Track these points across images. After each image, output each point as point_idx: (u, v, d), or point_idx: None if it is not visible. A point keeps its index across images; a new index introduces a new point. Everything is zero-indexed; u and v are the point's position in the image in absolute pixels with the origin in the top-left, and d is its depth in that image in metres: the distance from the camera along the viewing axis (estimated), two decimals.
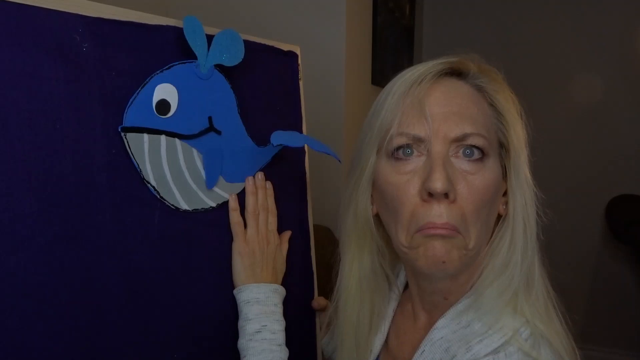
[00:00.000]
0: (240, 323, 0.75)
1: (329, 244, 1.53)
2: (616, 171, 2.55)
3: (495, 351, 0.57)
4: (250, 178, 0.79)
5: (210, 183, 0.73)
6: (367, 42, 2.02)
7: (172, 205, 0.70)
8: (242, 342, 0.74)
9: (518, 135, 0.61)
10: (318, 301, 0.89)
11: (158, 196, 0.68)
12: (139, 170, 0.66)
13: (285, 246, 0.84)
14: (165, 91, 0.68)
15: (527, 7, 2.67)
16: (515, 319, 0.59)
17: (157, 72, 0.68)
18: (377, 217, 0.67)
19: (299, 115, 0.86)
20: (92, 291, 0.62)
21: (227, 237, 0.76)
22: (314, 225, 1.58)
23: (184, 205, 0.71)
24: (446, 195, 0.56)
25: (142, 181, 0.67)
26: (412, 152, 0.59)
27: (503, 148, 0.62)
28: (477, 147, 0.58)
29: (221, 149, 0.74)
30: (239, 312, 0.76)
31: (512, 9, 2.70)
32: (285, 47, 0.85)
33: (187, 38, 0.68)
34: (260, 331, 0.74)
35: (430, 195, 0.56)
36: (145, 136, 0.67)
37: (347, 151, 1.75)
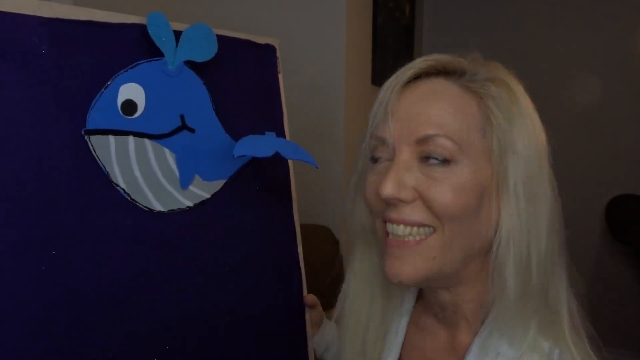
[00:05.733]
0: None
1: (329, 244, 1.49)
2: (616, 171, 2.52)
3: None
4: None
5: (184, 182, 0.71)
6: (367, 42, 2.00)
7: (146, 207, 0.67)
8: None
9: (513, 140, 0.54)
10: (307, 298, 0.86)
11: (129, 198, 0.66)
12: (106, 173, 0.64)
13: None
14: (130, 91, 0.66)
15: (527, 7, 2.64)
16: (542, 340, 0.54)
17: (121, 71, 0.66)
18: None
19: (279, 109, 0.83)
20: (66, 296, 0.61)
21: (207, 237, 0.74)
22: (314, 225, 1.55)
23: (158, 207, 0.69)
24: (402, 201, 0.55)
25: (110, 184, 0.64)
26: (381, 157, 0.59)
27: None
28: (438, 154, 0.54)
29: (196, 148, 0.72)
30: None
31: (512, 9, 2.68)
32: (262, 40, 0.82)
33: (151, 34, 0.66)
34: None
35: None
36: (111, 138, 0.64)
37: (346, 151, 1.72)
